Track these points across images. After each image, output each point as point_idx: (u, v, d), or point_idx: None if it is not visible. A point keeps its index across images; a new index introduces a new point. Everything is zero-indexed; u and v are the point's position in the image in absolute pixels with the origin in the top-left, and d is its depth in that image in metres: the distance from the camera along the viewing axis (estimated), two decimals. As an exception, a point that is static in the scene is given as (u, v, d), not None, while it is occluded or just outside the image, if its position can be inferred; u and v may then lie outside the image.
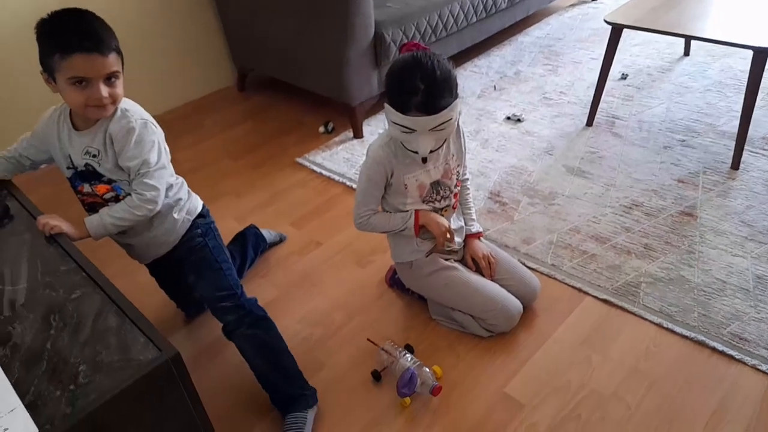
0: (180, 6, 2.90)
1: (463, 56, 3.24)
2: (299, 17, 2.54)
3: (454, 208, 1.69)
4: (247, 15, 2.81)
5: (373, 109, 2.81)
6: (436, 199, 1.62)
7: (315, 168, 2.52)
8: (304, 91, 2.88)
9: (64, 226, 1.28)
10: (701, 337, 1.63)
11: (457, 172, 1.64)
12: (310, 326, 1.79)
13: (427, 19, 2.70)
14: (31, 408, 0.90)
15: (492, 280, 1.70)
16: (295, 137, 2.77)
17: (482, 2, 2.96)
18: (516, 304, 1.66)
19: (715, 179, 2.22)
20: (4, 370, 0.96)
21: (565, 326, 1.71)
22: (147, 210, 1.37)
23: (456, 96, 1.41)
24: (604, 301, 1.77)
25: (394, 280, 1.87)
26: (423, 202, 1.61)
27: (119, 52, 1.29)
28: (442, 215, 1.65)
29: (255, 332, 1.49)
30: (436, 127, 1.39)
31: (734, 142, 2.26)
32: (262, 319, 1.53)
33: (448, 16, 2.79)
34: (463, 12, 2.87)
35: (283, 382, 1.50)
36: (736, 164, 2.27)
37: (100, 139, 1.34)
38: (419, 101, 1.36)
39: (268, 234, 2.04)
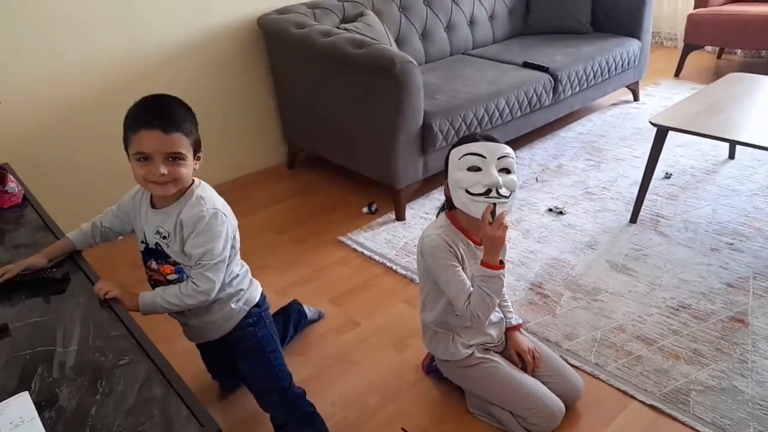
0: (239, 86, 3.08)
1: (506, 147, 3.31)
2: (353, 103, 2.67)
3: None
4: (303, 97, 2.96)
5: (417, 194, 2.86)
6: None
7: (356, 247, 2.56)
8: (351, 172, 2.98)
9: (119, 294, 1.31)
10: (758, 456, 1.53)
11: None
12: (345, 409, 1.75)
13: (474, 111, 2.79)
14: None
15: (533, 376, 1.66)
16: (338, 215, 2.83)
17: (527, 98, 3.05)
18: (558, 403, 1.60)
19: (766, 286, 2.16)
20: (49, 432, 0.96)
21: (610, 431, 1.63)
22: (198, 301, 1.37)
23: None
24: (652, 407, 1.69)
25: (431, 368, 1.83)
26: None
27: (189, 136, 1.30)
28: None
29: (304, 431, 1.48)
30: (501, 158, 1.49)
31: (785, 249, 2.22)
32: (312, 415, 1.51)
33: (494, 110, 2.89)
34: (509, 107, 2.96)
35: None
36: (787, 271, 2.21)
37: (171, 221, 1.36)
38: (482, 136, 1.55)
39: (308, 311, 2.05)
